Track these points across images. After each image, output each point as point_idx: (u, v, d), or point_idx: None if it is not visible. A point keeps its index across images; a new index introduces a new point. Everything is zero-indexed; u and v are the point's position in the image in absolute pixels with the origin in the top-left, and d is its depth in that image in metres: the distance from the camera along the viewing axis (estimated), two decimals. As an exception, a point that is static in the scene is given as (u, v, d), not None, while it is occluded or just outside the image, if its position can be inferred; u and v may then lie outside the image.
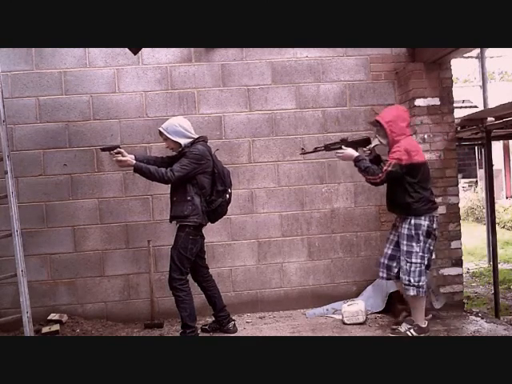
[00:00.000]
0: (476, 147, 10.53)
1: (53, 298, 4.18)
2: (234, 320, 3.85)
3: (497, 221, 7.69)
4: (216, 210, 3.61)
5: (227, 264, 4.33)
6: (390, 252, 3.53)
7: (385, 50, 4.43)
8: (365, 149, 3.50)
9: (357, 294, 4.35)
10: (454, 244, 4.18)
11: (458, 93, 6.48)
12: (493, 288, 4.49)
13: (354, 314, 3.89)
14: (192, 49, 4.30)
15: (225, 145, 4.30)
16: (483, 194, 8.67)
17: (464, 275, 4.53)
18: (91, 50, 4.23)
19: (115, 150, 3.44)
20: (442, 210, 4.16)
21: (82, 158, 4.22)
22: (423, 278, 3.30)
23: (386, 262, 3.54)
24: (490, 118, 4.46)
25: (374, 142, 3.45)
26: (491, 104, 6.19)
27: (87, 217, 4.22)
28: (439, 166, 4.16)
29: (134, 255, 4.25)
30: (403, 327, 3.47)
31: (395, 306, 4.06)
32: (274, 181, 4.35)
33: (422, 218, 3.30)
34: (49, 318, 4.01)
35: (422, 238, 3.30)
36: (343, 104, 4.42)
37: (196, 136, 3.58)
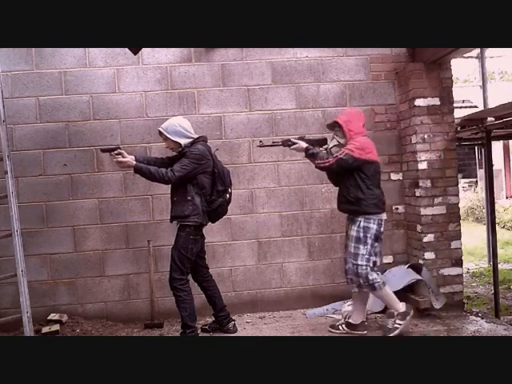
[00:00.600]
0: (476, 147, 10.53)
1: (53, 298, 4.18)
2: (233, 320, 3.85)
3: (497, 221, 7.68)
4: (216, 210, 3.62)
5: (227, 264, 4.33)
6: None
7: (385, 50, 4.43)
8: (321, 148, 3.59)
9: (357, 294, 4.34)
10: (453, 244, 4.18)
11: (458, 93, 6.48)
12: (493, 288, 4.49)
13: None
14: (192, 49, 4.30)
15: (225, 145, 4.31)
16: (483, 194, 8.67)
17: (464, 275, 4.53)
18: (91, 49, 4.23)
19: (116, 151, 3.45)
20: (442, 209, 4.17)
21: (82, 157, 4.22)
22: (371, 277, 3.36)
23: (346, 267, 3.56)
24: (489, 118, 4.46)
25: (332, 143, 3.53)
26: (491, 104, 6.19)
27: (87, 217, 4.22)
28: (439, 166, 4.16)
29: (134, 255, 4.25)
30: (389, 324, 3.52)
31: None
32: (274, 181, 4.35)
33: (371, 221, 3.36)
34: (49, 318, 4.01)
35: (369, 241, 3.37)
36: (343, 104, 4.42)
37: (196, 136, 3.58)
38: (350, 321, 3.61)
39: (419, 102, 4.15)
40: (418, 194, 4.19)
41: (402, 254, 4.46)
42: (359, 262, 3.37)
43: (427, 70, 4.16)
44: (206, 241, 4.13)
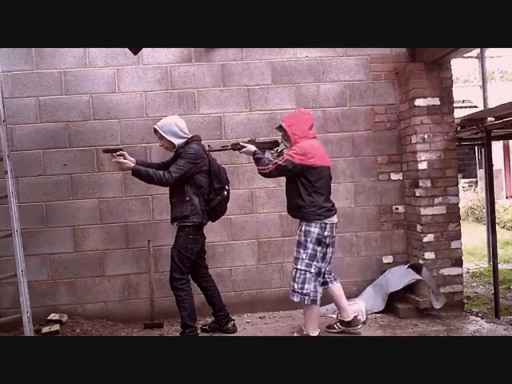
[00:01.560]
0: (476, 147, 10.53)
1: (53, 298, 4.18)
2: (233, 320, 3.85)
3: (497, 221, 7.68)
4: (215, 209, 3.61)
5: (227, 264, 4.33)
6: None
7: (385, 50, 4.43)
8: (272, 151, 3.54)
9: (357, 294, 4.34)
10: (453, 244, 4.18)
11: (458, 93, 6.48)
12: (493, 288, 4.49)
13: (354, 313, 3.88)
14: (192, 49, 4.30)
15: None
16: (483, 194, 8.67)
17: (464, 275, 4.53)
18: (91, 49, 4.23)
19: (118, 153, 3.45)
20: (442, 209, 4.17)
21: (82, 157, 4.22)
22: (308, 286, 3.25)
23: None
24: (489, 118, 4.46)
25: (281, 147, 3.50)
26: (491, 104, 6.19)
27: (87, 217, 4.22)
28: (439, 166, 4.17)
29: (133, 255, 4.25)
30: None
31: (395, 306, 4.07)
32: (274, 181, 4.34)
33: (313, 224, 3.26)
34: (49, 318, 4.01)
35: (309, 245, 3.27)
36: (343, 104, 4.42)
37: (190, 136, 3.57)
38: (341, 319, 3.60)
39: (419, 102, 4.15)
40: (418, 194, 4.19)
41: (401, 254, 4.46)
42: (298, 266, 3.29)
43: (427, 70, 4.16)
44: (206, 241, 4.13)
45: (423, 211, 4.14)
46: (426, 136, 4.15)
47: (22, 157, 4.15)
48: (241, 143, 3.54)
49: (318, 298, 3.33)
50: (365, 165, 4.43)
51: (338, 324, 3.64)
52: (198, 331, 3.68)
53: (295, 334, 3.55)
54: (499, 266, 4.80)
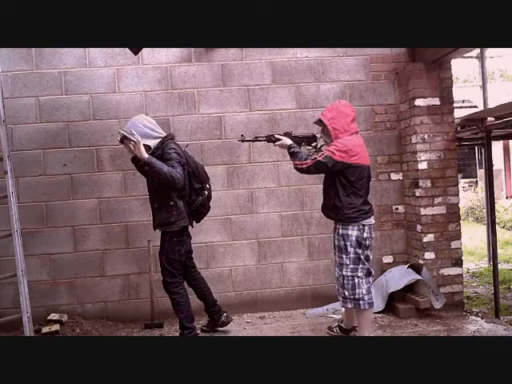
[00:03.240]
0: (476, 147, 10.55)
1: (53, 298, 4.18)
2: (225, 312, 3.81)
3: (497, 221, 7.69)
4: (199, 210, 3.49)
5: (227, 264, 4.33)
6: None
7: (385, 50, 4.43)
8: (309, 147, 3.34)
9: (357, 294, 4.34)
10: (453, 244, 4.18)
11: (457, 93, 6.47)
12: (493, 288, 4.49)
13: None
14: (192, 49, 4.31)
15: (225, 145, 4.31)
16: (483, 194, 8.67)
17: (464, 275, 4.54)
18: (91, 49, 4.23)
19: (135, 138, 3.14)
20: (442, 209, 4.17)
21: (81, 158, 4.22)
22: (359, 291, 3.14)
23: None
24: (490, 118, 4.46)
25: (320, 142, 3.32)
26: (491, 104, 6.18)
27: (87, 217, 4.22)
28: (439, 166, 4.17)
29: (134, 255, 4.25)
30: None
31: (395, 306, 4.07)
32: (274, 181, 4.35)
33: (350, 227, 3.11)
34: (49, 318, 4.01)
35: (350, 249, 3.12)
36: (343, 104, 4.42)
37: (164, 134, 3.36)
38: (341, 325, 3.55)
39: (419, 102, 4.15)
40: (418, 194, 4.19)
41: (401, 254, 4.46)
42: (343, 273, 3.16)
43: (427, 70, 4.16)
44: (206, 241, 4.14)
45: (423, 211, 4.14)
46: (425, 136, 4.15)
47: (21, 157, 4.15)
48: (276, 135, 3.34)
49: (373, 299, 3.21)
50: (365, 165, 4.43)
51: (337, 329, 3.59)
52: (198, 331, 3.67)
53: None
54: (499, 265, 4.80)
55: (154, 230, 3.52)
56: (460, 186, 5.20)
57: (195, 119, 4.30)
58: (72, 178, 4.21)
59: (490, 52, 7.81)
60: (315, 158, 3.08)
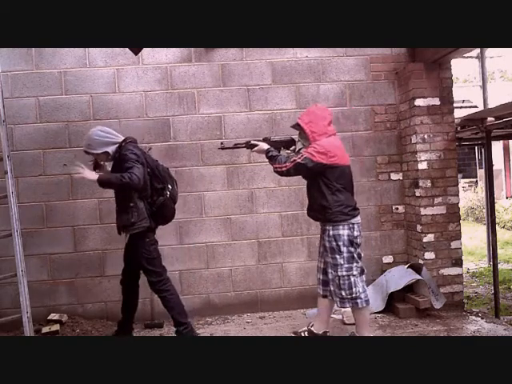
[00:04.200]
0: (476, 147, 10.54)
1: (53, 298, 4.18)
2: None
3: (497, 221, 7.68)
4: (161, 211, 3.42)
5: (227, 264, 4.33)
6: (322, 266, 3.35)
7: (385, 50, 4.43)
8: (288, 150, 3.37)
9: (357, 294, 4.34)
10: (453, 244, 4.18)
11: (457, 93, 6.47)
12: (493, 288, 4.49)
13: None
14: (192, 49, 4.30)
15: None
16: (483, 194, 8.67)
17: (464, 275, 4.54)
18: (91, 49, 4.23)
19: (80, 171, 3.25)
20: (442, 209, 4.17)
21: (82, 158, 4.20)
22: (355, 289, 3.13)
23: (321, 277, 3.37)
24: (490, 118, 4.46)
25: (298, 146, 3.34)
26: (491, 104, 6.19)
27: (87, 217, 4.21)
28: (439, 166, 4.17)
29: (134, 255, 4.24)
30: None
31: (395, 306, 4.07)
32: (274, 181, 4.35)
33: (340, 227, 3.12)
34: (49, 318, 4.01)
35: (343, 248, 3.12)
36: (343, 104, 4.42)
37: (121, 138, 3.39)
38: (312, 329, 3.43)
39: (419, 102, 4.15)
40: (418, 194, 4.19)
41: (402, 254, 4.46)
42: (339, 273, 3.14)
43: (427, 70, 4.16)
44: (206, 241, 4.15)
45: (423, 211, 4.14)
46: (425, 136, 4.15)
47: (21, 157, 4.15)
48: (253, 141, 3.38)
49: (369, 297, 3.21)
50: (365, 165, 4.43)
51: (306, 333, 3.49)
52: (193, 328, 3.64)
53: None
54: (499, 265, 4.80)
55: (119, 233, 3.45)
56: (460, 185, 5.20)
57: (195, 119, 4.30)
58: (72, 178, 4.21)
59: (490, 52, 7.81)
60: (295, 161, 3.13)
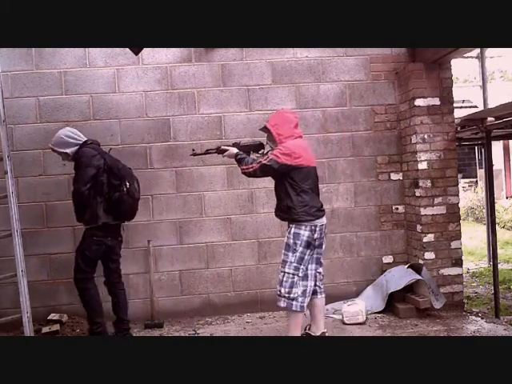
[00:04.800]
0: (476, 147, 10.54)
1: (53, 298, 4.18)
2: (129, 334, 3.76)
3: (497, 221, 7.68)
4: (118, 206, 3.54)
5: (227, 264, 4.33)
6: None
7: (385, 50, 4.43)
8: (257, 154, 3.44)
9: (357, 294, 4.35)
10: (453, 244, 4.18)
11: (457, 93, 6.47)
12: (493, 288, 4.49)
13: (354, 314, 3.89)
14: (192, 49, 4.30)
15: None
16: (483, 194, 8.67)
17: (464, 275, 4.54)
18: (91, 49, 4.23)
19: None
20: (442, 209, 4.17)
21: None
22: (295, 290, 3.15)
23: None
24: (490, 118, 4.46)
25: (267, 149, 3.41)
26: (491, 104, 6.19)
27: (87, 217, 4.21)
28: (439, 166, 4.17)
29: (133, 255, 4.25)
30: None
31: (395, 306, 4.07)
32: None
33: (303, 227, 3.16)
34: (49, 318, 4.01)
35: (299, 248, 3.15)
36: (343, 104, 4.42)
37: (82, 140, 3.57)
38: (309, 332, 3.42)
39: (419, 102, 4.15)
40: (418, 194, 4.19)
41: (402, 254, 4.46)
42: (286, 270, 3.17)
43: (427, 70, 4.16)
44: (206, 241, 4.14)
45: (423, 211, 4.14)
46: (425, 136, 4.15)
47: (21, 157, 4.15)
48: (223, 147, 3.46)
49: (305, 304, 3.22)
50: (365, 165, 4.43)
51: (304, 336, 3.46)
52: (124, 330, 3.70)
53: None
54: (499, 265, 4.80)
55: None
56: (460, 185, 5.20)
57: (195, 119, 4.30)
58: (72, 178, 4.20)
59: (490, 52, 7.81)
60: (260, 162, 3.20)
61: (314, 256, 3.28)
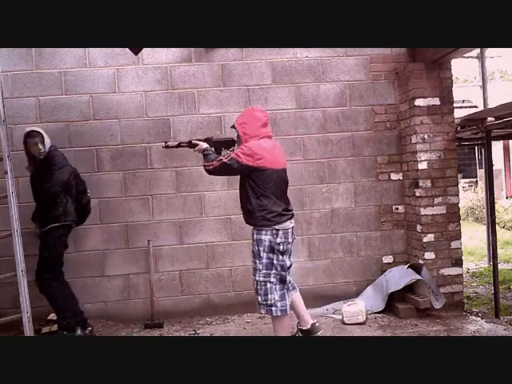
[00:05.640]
0: (476, 147, 10.54)
1: (53, 298, 4.17)
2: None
3: (497, 221, 7.68)
4: (85, 208, 3.82)
5: (227, 264, 4.33)
6: None
7: (385, 50, 4.43)
8: (228, 151, 3.33)
9: (357, 294, 4.35)
10: (453, 244, 4.18)
11: (457, 93, 6.48)
12: (493, 288, 4.49)
13: (354, 314, 3.89)
14: (192, 49, 4.30)
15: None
16: (483, 194, 8.67)
17: (464, 275, 4.54)
18: (91, 49, 4.23)
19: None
20: (442, 209, 4.17)
21: (81, 157, 4.22)
22: (271, 296, 3.08)
23: None
24: (490, 118, 4.46)
25: (236, 147, 3.33)
26: (491, 104, 6.19)
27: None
28: (439, 166, 4.17)
29: (134, 255, 4.25)
30: None
31: (395, 306, 4.07)
32: (274, 181, 4.34)
33: (263, 232, 3.07)
34: (49, 318, 4.01)
35: (263, 254, 3.07)
36: (343, 104, 4.42)
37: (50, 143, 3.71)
38: (301, 328, 3.38)
39: (419, 102, 4.15)
40: (418, 194, 4.19)
41: (402, 254, 4.46)
42: (257, 278, 3.10)
43: (427, 70, 4.16)
44: (206, 241, 4.14)
45: (423, 211, 4.14)
46: (425, 136, 4.15)
47: (22, 157, 4.13)
48: (194, 141, 3.38)
49: (287, 307, 3.15)
50: (365, 165, 4.43)
51: (299, 333, 3.44)
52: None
53: None
54: (499, 265, 4.80)
55: (42, 229, 3.63)
56: (460, 185, 5.20)
57: (195, 119, 4.30)
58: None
59: (490, 52, 7.81)
60: (221, 160, 3.11)
61: (287, 263, 3.15)
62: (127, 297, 4.25)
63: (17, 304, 3.14)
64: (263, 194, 3.08)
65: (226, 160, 3.09)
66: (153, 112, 4.28)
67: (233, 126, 3.28)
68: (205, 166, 3.21)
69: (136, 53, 3.95)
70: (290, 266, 3.25)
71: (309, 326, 3.35)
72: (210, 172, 3.22)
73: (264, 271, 3.09)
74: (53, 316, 4.02)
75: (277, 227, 3.08)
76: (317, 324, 3.37)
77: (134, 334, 3.92)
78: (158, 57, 4.29)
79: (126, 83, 4.27)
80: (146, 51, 4.22)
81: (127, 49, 3.94)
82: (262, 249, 3.08)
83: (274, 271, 3.10)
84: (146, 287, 4.21)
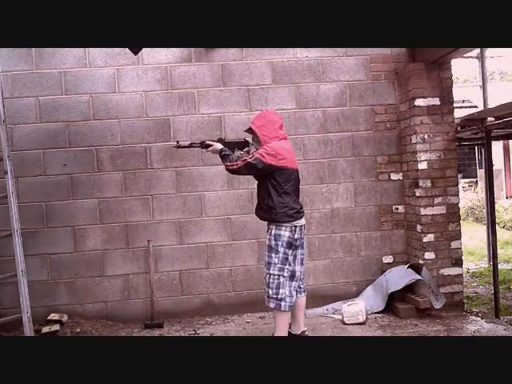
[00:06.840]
0: (476, 147, 10.54)
1: (53, 298, 4.18)
2: None
3: (497, 221, 7.68)
4: None
5: (227, 264, 4.33)
6: None
7: (385, 50, 4.43)
8: (241, 152, 3.46)
9: (357, 294, 4.35)
10: (453, 244, 4.18)
11: (457, 93, 6.47)
12: (493, 288, 4.49)
13: (354, 314, 3.89)
14: (192, 49, 4.30)
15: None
16: (483, 194, 8.67)
17: (464, 275, 4.54)
18: (91, 49, 4.23)
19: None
20: (442, 209, 4.17)
21: (81, 157, 4.22)
22: (282, 291, 3.19)
23: None
24: (490, 118, 4.46)
25: (252, 149, 3.42)
26: (491, 104, 6.19)
27: (87, 217, 4.21)
28: (439, 166, 4.17)
29: (134, 255, 4.25)
30: None
31: (395, 306, 4.07)
32: (274, 181, 4.34)
33: (283, 228, 3.20)
34: (49, 318, 4.01)
35: (281, 248, 3.20)
36: (343, 104, 4.42)
37: None
38: (290, 331, 3.43)
39: (419, 102, 4.15)
40: (418, 194, 4.19)
41: (402, 254, 4.46)
42: (271, 271, 3.20)
43: (427, 70, 4.16)
44: (206, 241, 4.15)
45: (423, 211, 4.14)
46: (426, 136, 4.15)
47: (21, 157, 4.15)
48: (208, 141, 3.45)
49: (292, 304, 3.25)
50: (365, 165, 4.43)
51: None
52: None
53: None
54: (499, 265, 4.80)
55: None
56: (460, 185, 5.20)
57: (195, 119, 4.30)
58: (72, 178, 4.21)
59: (490, 52, 7.81)
60: (245, 160, 3.21)
61: (298, 257, 3.31)
62: (127, 297, 4.25)
63: (17, 304, 3.15)
64: (285, 192, 3.23)
65: (250, 160, 3.20)
66: (153, 112, 4.28)
67: (248, 130, 3.37)
68: (227, 165, 3.30)
69: (136, 53, 3.95)
70: (303, 260, 3.37)
71: (298, 333, 3.43)
72: (233, 171, 3.33)
73: (279, 265, 3.21)
74: (53, 316, 4.03)
75: (295, 223, 3.23)
76: (306, 332, 3.46)
77: (134, 334, 3.92)
78: (158, 57, 4.29)
79: (125, 83, 4.27)
80: (145, 51, 4.22)
81: (127, 49, 3.94)
82: (280, 243, 3.20)
83: (287, 266, 3.23)
84: (146, 287, 4.21)
